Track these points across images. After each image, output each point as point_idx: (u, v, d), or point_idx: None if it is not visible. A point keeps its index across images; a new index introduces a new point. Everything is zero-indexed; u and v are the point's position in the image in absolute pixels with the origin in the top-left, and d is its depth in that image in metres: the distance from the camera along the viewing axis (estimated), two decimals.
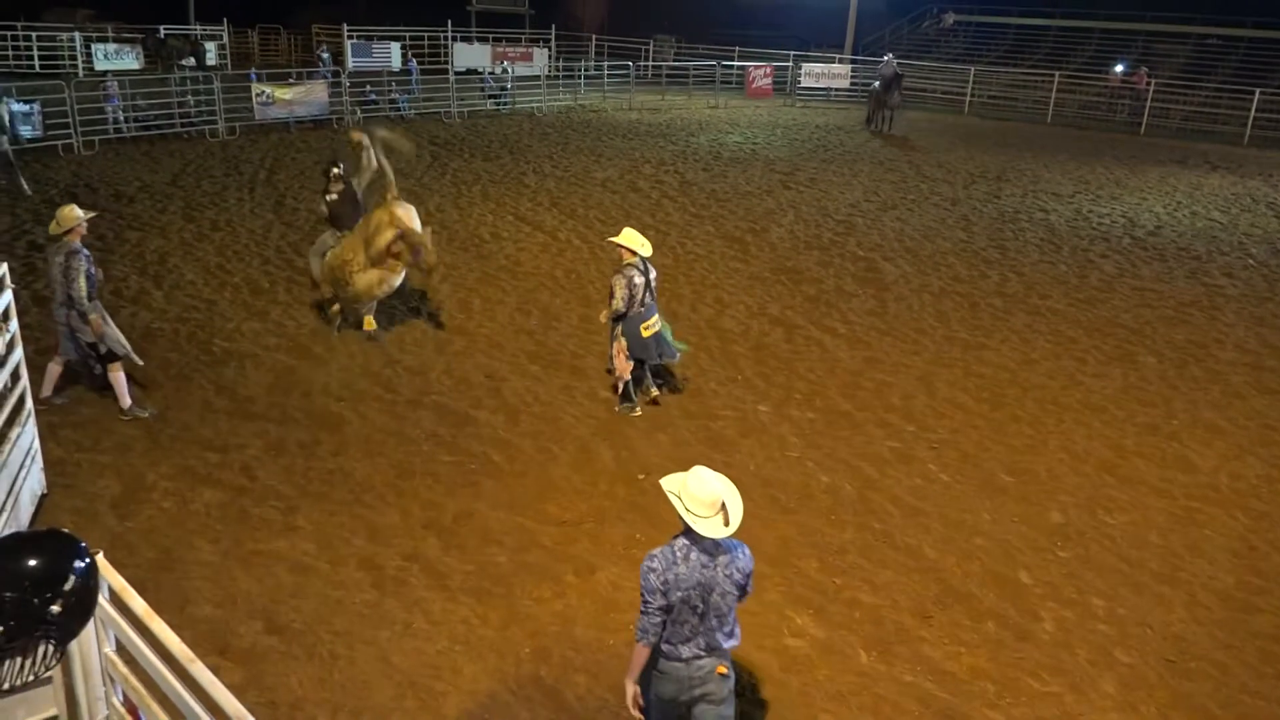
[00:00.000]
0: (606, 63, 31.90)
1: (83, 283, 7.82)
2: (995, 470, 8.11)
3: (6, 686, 2.36)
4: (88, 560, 2.46)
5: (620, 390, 8.85)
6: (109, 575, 3.20)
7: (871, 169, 20.71)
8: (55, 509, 6.93)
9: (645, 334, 8.56)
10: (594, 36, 37.74)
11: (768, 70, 32.08)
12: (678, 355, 8.99)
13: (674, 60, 34.85)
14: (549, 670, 5.59)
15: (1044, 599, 6.45)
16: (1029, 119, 29.94)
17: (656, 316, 8.67)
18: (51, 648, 2.38)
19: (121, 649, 3.34)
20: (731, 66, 32.11)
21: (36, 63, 27.20)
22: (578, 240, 14.20)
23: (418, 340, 10.35)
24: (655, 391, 9.04)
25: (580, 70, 30.68)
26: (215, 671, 5.39)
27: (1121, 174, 21.67)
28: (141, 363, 8.58)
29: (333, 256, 9.97)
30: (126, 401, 8.35)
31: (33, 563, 2.37)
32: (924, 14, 40.16)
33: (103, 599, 3.29)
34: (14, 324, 6.54)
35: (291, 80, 23.77)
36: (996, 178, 20.45)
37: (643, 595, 4.12)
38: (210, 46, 29.12)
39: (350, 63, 29.90)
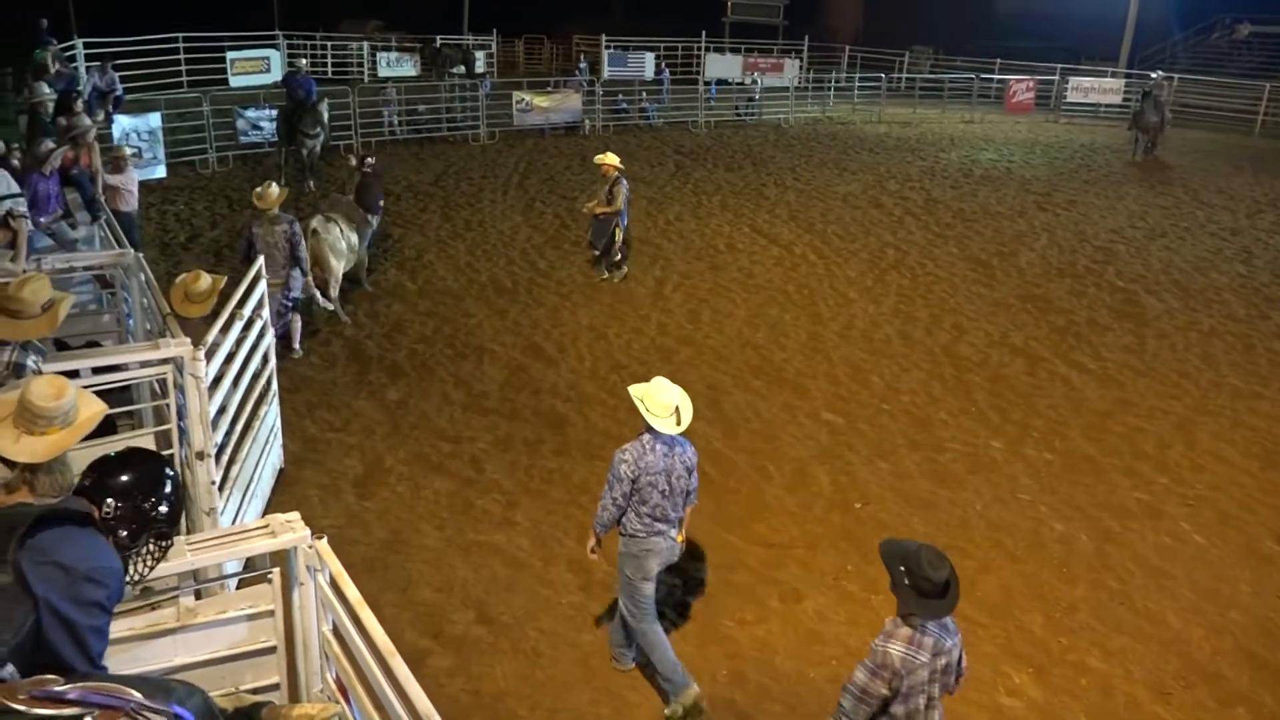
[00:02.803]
0: (858, 74, 31.28)
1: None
2: (1260, 536, 7.27)
3: (138, 578, 2.94)
4: (171, 469, 3.02)
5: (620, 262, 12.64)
6: (329, 560, 3.41)
7: (1140, 193, 19.14)
8: (304, 483, 7.54)
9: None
10: (847, 48, 37.07)
11: (1030, 84, 30.37)
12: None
13: (929, 72, 33.67)
14: (744, 696, 5.51)
15: None
16: None
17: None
18: (159, 545, 2.96)
19: (337, 631, 3.55)
20: (991, 79, 30.65)
21: (329, 69, 29.82)
22: (813, 255, 13.97)
23: (645, 348, 10.51)
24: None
25: (830, 82, 30.27)
26: (427, 655, 5.70)
27: None
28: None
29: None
30: (297, 342, 9.90)
31: (130, 476, 2.88)
32: (1213, 25, 36.73)
33: (323, 581, 3.51)
34: (266, 312, 7.16)
35: (549, 89, 24.85)
36: None
37: (609, 483, 5.24)
38: (480, 55, 30.85)
39: (606, 71, 30.89)
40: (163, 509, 2.92)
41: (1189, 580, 6.71)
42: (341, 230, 10.67)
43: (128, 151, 12.03)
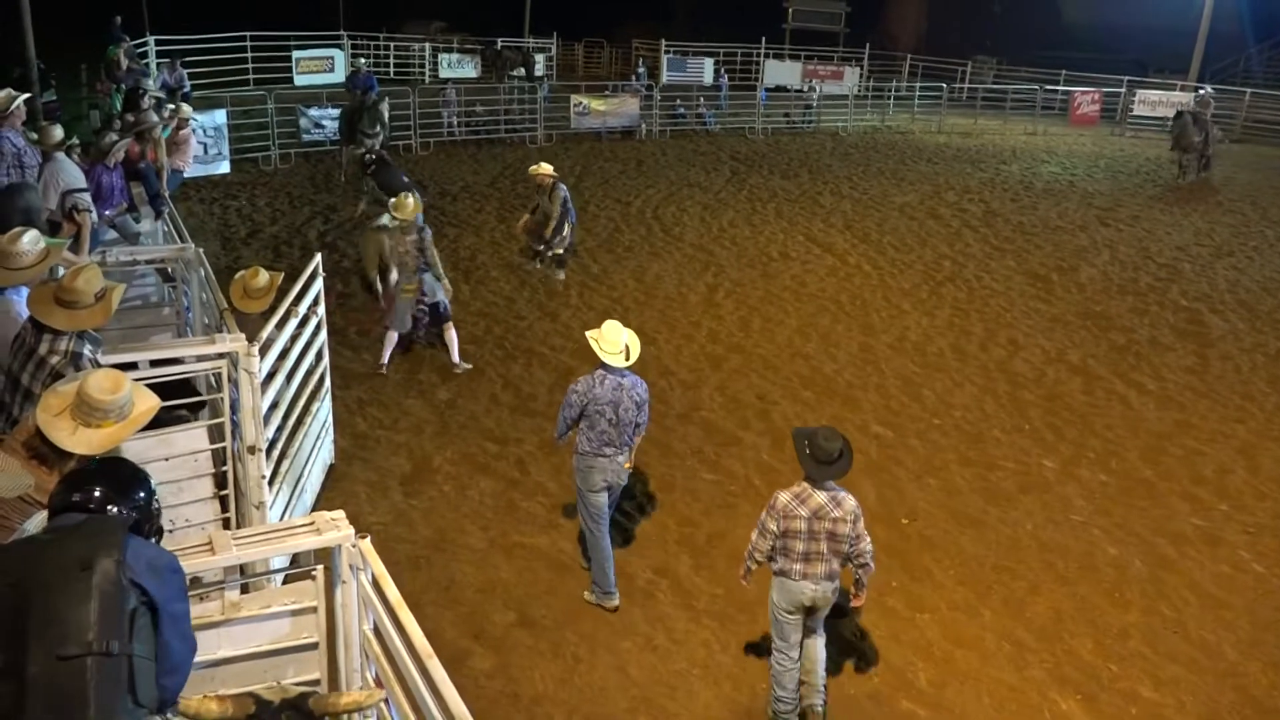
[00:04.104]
0: (918, 83, 30.96)
1: None
2: None
3: None
4: (149, 476, 3.09)
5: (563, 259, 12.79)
6: (371, 560, 3.43)
7: (1207, 209, 18.69)
8: (353, 479, 7.62)
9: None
10: (908, 56, 36.72)
11: (1095, 96, 29.80)
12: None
13: (992, 83, 33.20)
14: None
15: None
16: None
17: None
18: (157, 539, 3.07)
19: (378, 630, 3.58)
20: (1055, 91, 30.14)
21: (391, 69, 30.23)
22: (868, 266, 13.84)
23: (694, 354, 10.48)
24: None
25: (890, 90, 30.00)
26: (468, 656, 5.72)
27: None
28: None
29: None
30: (456, 355, 9.80)
31: (129, 485, 2.98)
32: None
33: (365, 580, 3.54)
34: (321, 309, 7.24)
35: (607, 93, 24.94)
36: None
37: (562, 406, 6.14)
38: (539, 58, 31.06)
39: (664, 77, 30.90)
40: (160, 518, 3.06)
41: (1248, 611, 6.51)
42: None
43: (186, 111, 12.56)
